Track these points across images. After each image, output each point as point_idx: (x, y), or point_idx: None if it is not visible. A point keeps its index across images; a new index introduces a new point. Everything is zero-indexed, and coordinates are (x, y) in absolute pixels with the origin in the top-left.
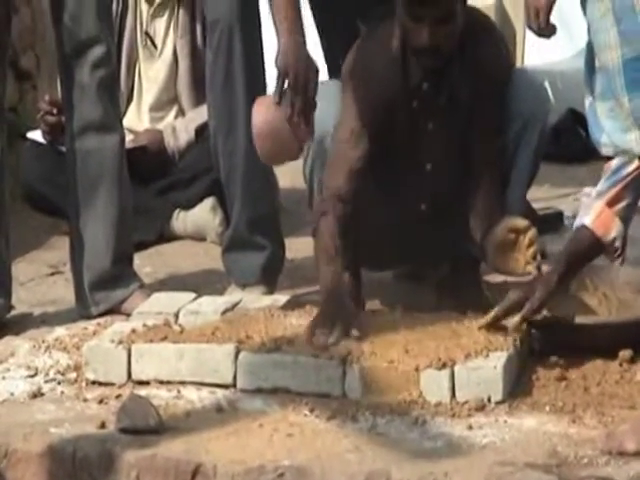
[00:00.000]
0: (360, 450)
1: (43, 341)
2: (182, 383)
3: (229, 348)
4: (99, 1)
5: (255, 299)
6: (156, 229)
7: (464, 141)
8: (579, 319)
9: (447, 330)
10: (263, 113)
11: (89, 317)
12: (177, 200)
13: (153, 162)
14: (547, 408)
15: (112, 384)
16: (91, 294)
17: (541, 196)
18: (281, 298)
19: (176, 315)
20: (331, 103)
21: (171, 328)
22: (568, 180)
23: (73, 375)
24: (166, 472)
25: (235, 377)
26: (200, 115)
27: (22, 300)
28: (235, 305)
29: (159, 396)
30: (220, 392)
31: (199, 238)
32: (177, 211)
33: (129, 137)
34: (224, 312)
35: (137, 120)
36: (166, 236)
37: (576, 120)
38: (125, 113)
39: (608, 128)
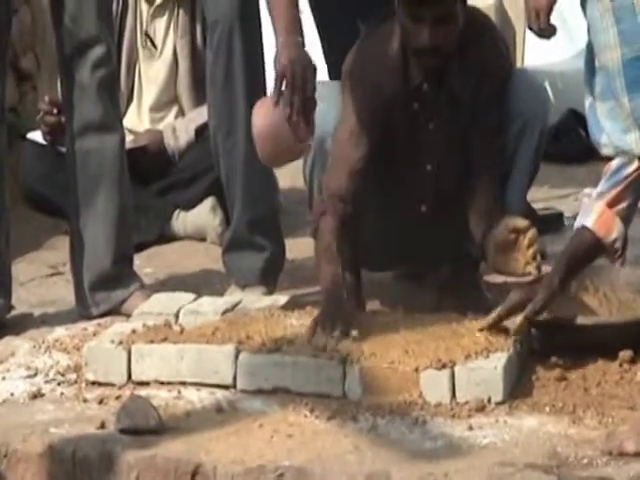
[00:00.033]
0: (360, 450)
1: (43, 341)
2: (182, 383)
3: (229, 348)
4: (99, 1)
5: (255, 299)
6: (156, 229)
7: (464, 141)
8: (580, 319)
9: (447, 331)
10: (262, 115)
11: (89, 317)
12: (177, 200)
13: (153, 162)
14: (547, 409)
15: (112, 384)
16: (91, 294)
17: (541, 196)
18: (281, 298)
19: (176, 315)
20: (331, 104)
21: (171, 328)
22: (568, 180)
23: (73, 376)
24: (166, 472)
25: (235, 377)
26: (200, 115)
27: (22, 300)
28: (235, 305)
29: (159, 396)
30: (220, 392)
31: (199, 238)
32: (177, 211)
33: (129, 137)
34: (224, 312)
35: (137, 120)
36: (166, 236)
37: (576, 120)
38: (125, 113)
39: (608, 128)
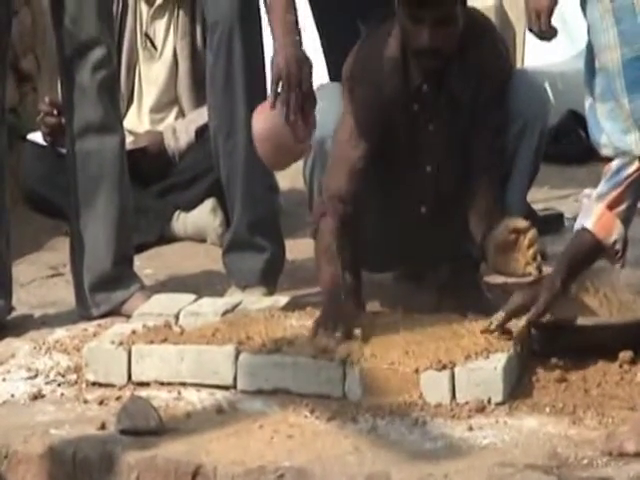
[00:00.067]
0: (360, 451)
1: (43, 342)
2: (182, 384)
3: (229, 349)
4: (99, 3)
5: (255, 300)
6: (156, 230)
7: (464, 142)
8: (580, 320)
9: (447, 331)
10: (262, 120)
11: (89, 318)
12: (177, 201)
13: (153, 163)
14: (547, 409)
15: (112, 385)
16: (91, 295)
17: (541, 197)
18: (281, 299)
19: (176, 316)
20: (332, 105)
21: (171, 329)
22: (568, 181)
23: (73, 376)
24: (166, 473)
25: (235, 378)
26: (200, 116)
27: (22, 301)
28: (235, 306)
29: (159, 397)
30: (220, 393)
31: (199, 239)
32: (177, 212)
33: (129, 138)
34: (224, 313)
35: (137, 121)
36: (166, 237)
37: (576, 121)
38: (125, 115)
39: (608, 129)
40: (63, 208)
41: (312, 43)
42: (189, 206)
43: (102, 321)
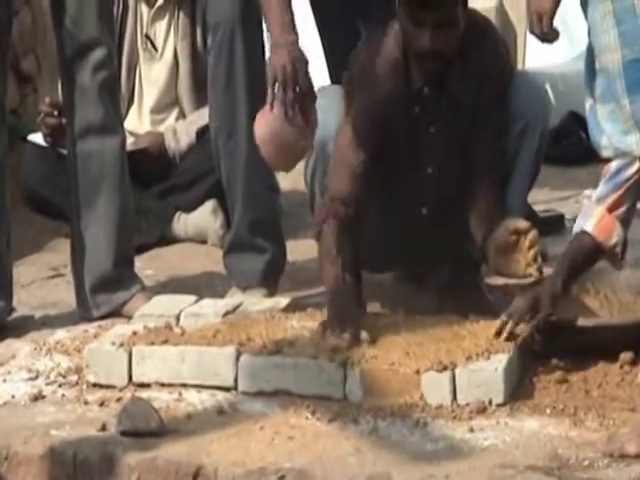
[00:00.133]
0: (361, 453)
1: (44, 343)
2: (183, 385)
3: (230, 351)
4: (100, 3)
5: (256, 301)
6: (157, 231)
7: (465, 144)
8: (580, 321)
9: (448, 332)
10: (263, 125)
11: (90, 319)
12: (178, 202)
13: (154, 164)
14: (548, 410)
15: (113, 387)
16: (92, 297)
17: (542, 198)
18: (282, 300)
19: (177, 317)
20: (333, 107)
21: (172, 331)
22: (569, 182)
23: (74, 378)
24: (167, 474)
25: (236, 379)
26: (201, 117)
27: (23, 302)
28: (236, 307)
29: (160, 399)
30: (221, 394)
31: (200, 240)
32: (178, 214)
33: (130, 139)
34: (225, 314)
35: (138, 122)
36: (167, 239)
37: (577, 122)
38: (126, 116)
39: (608, 130)
40: (64, 209)
41: (313, 45)
42: (190, 207)
43: (103, 322)
